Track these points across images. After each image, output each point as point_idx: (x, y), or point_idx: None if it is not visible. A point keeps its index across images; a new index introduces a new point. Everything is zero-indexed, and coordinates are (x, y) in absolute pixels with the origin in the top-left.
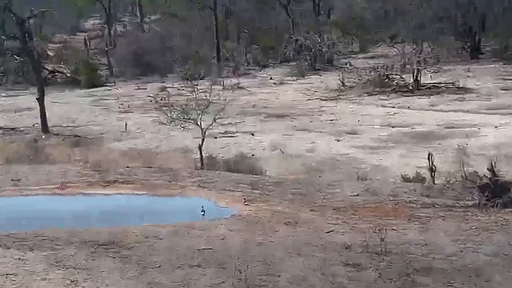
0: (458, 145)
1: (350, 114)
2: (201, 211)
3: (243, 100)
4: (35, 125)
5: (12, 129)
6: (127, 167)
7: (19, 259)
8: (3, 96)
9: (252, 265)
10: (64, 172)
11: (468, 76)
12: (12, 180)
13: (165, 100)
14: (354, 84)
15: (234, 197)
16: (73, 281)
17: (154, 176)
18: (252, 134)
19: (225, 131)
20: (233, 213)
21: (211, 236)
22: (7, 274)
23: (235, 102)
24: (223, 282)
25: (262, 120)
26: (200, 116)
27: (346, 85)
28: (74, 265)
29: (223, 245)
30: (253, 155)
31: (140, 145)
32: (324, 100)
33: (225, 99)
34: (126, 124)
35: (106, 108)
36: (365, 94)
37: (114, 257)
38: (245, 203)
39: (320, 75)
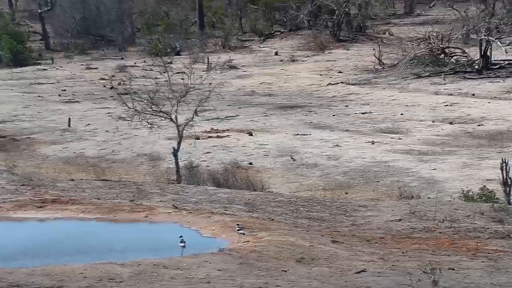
0: None
1: (390, 104)
2: (180, 242)
3: (236, 84)
4: None
5: None
6: (72, 180)
7: None
8: None
9: None
10: None
11: None
12: None
13: (125, 84)
14: (396, 62)
15: (224, 223)
16: None
17: (110, 193)
18: (250, 134)
19: (211, 129)
20: (222, 247)
21: (192, 278)
22: None
23: (226, 88)
24: None
25: (264, 113)
26: (176, 108)
27: (385, 64)
28: None
29: None
30: (250, 163)
31: (90, 149)
32: (353, 84)
33: (211, 84)
34: (69, 119)
35: (40, 97)
36: (412, 76)
37: None
38: (239, 231)
39: (347, 49)
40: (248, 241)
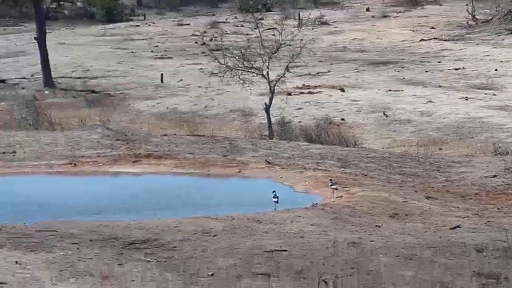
0: None
1: (484, 60)
2: (273, 197)
3: (328, 40)
4: (35, 76)
5: (2, 81)
6: (165, 135)
7: (17, 263)
8: None
9: (343, 274)
10: (76, 143)
11: None
12: (3, 153)
13: (216, 40)
14: (490, 18)
15: (316, 179)
16: None
17: (203, 148)
18: (342, 90)
19: (303, 85)
20: (315, 202)
21: (285, 233)
22: (1, 283)
23: (317, 44)
24: None
25: (356, 69)
26: (267, 64)
27: (478, 19)
28: (92, 272)
29: (301, 246)
30: (343, 119)
31: (182, 105)
32: (446, 40)
33: (302, 40)
34: (162, 75)
35: (133, 52)
36: (506, 32)
37: (148, 261)
38: (332, 186)
39: (439, 5)
40: (341, 197)
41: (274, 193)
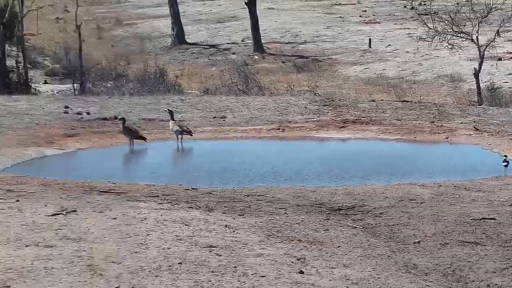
0: None
1: None
2: (503, 162)
3: None
4: (244, 41)
5: (213, 46)
6: (372, 100)
7: (226, 226)
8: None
9: None
10: (284, 108)
11: None
12: (214, 117)
13: (425, 5)
14: None
15: None
16: (299, 259)
17: (410, 114)
18: None
19: None
20: None
21: (493, 201)
22: (210, 246)
23: None
24: (510, 267)
25: None
26: (477, 28)
27: None
28: (300, 237)
29: (510, 214)
30: None
31: (390, 70)
32: None
33: None
34: (370, 40)
35: (341, 17)
36: None
37: (355, 227)
38: None
39: None
40: None
41: (504, 157)
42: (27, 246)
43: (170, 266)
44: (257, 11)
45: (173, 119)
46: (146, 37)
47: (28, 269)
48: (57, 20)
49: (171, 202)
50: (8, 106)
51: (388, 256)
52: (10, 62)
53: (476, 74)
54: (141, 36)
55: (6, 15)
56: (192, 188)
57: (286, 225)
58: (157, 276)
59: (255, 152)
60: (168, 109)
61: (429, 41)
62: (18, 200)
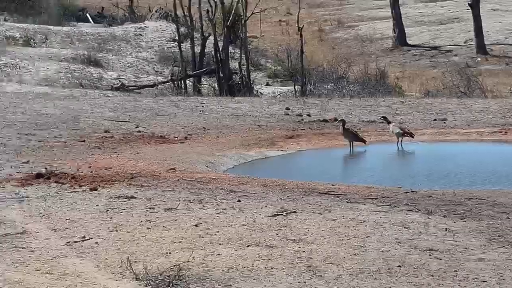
0: None
1: None
2: None
3: None
4: (467, 43)
5: (435, 48)
6: None
7: (446, 230)
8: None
9: None
10: (508, 110)
11: None
12: (435, 120)
13: None
14: None
15: None
16: None
17: None
18: None
19: None
20: None
21: None
22: (430, 250)
23: None
24: None
25: None
26: None
27: None
28: None
29: None
30: None
31: None
32: None
33: None
34: None
35: None
36: None
37: None
38: None
39: None
40: None
41: None
42: (248, 246)
43: (389, 269)
44: (481, 12)
45: (389, 123)
46: (367, 39)
47: (249, 268)
48: (279, 23)
49: (390, 205)
50: (231, 107)
51: None
52: (233, 64)
53: None
54: (362, 38)
55: (230, 18)
56: (412, 191)
57: (509, 229)
58: (376, 278)
59: (476, 155)
60: (382, 116)
61: None
62: (239, 201)
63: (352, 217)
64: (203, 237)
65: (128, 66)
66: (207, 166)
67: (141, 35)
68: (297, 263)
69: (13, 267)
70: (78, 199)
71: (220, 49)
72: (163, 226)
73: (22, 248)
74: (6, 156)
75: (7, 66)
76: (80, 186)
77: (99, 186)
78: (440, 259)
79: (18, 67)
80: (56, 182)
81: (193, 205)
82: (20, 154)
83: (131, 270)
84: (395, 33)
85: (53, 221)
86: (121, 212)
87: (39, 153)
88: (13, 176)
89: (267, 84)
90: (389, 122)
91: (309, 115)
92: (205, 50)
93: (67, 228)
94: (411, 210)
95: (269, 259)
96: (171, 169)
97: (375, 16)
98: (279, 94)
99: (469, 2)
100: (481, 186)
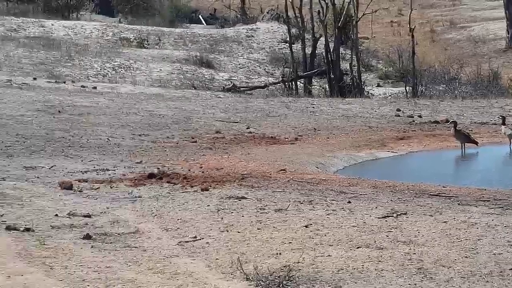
0: None
1: None
2: None
3: None
4: None
5: None
6: None
7: None
8: None
9: None
10: None
11: None
12: None
13: None
14: None
15: None
16: None
17: None
18: None
19: None
20: None
21: None
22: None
23: None
24: None
25: None
26: None
27: None
28: None
29: None
30: None
31: None
32: None
33: None
34: None
35: None
36: None
37: None
38: None
39: None
40: None
41: None
42: (358, 247)
43: (501, 271)
44: None
45: (504, 124)
46: (479, 40)
47: (359, 270)
48: (391, 24)
49: (503, 207)
50: (342, 109)
51: None
52: (344, 65)
53: None
54: (474, 39)
55: (342, 19)
56: None
57: None
58: (487, 281)
59: None
60: (501, 115)
61: None
62: (349, 202)
63: (463, 219)
64: (313, 238)
65: (240, 67)
66: (317, 167)
67: (252, 36)
68: (407, 265)
69: (126, 266)
70: (189, 199)
71: (331, 50)
72: (273, 227)
73: (135, 247)
74: (120, 157)
75: (121, 68)
76: (192, 187)
77: (210, 186)
78: None
79: (132, 69)
80: (168, 182)
81: (303, 206)
82: (133, 154)
83: (241, 270)
84: (508, 33)
85: (165, 221)
86: (231, 212)
87: (151, 153)
88: (126, 176)
89: (378, 85)
90: (504, 123)
91: (420, 116)
92: (316, 51)
93: (178, 228)
94: None
95: (379, 261)
96: (281, 170)
97: (488, 16)
98: (390, 95)
99: None
100: None
